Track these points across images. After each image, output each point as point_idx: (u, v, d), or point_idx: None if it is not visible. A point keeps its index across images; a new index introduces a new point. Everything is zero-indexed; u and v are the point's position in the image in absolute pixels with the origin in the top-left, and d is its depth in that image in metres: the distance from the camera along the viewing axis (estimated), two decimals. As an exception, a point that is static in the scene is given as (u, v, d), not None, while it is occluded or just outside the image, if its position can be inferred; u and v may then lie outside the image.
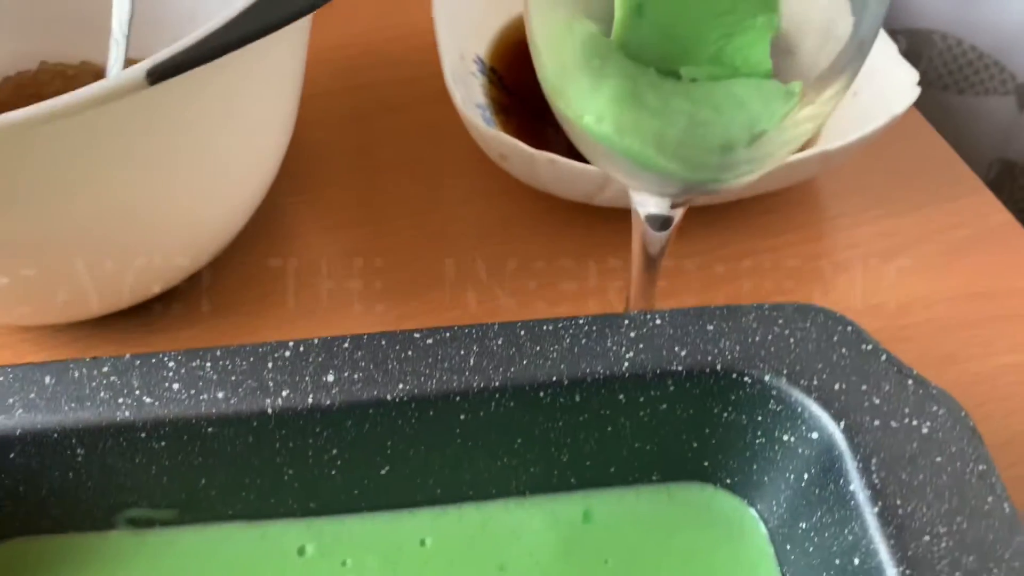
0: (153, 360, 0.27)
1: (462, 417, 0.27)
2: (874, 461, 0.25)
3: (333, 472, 0.28)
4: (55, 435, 0.26)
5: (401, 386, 0.27)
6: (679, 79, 0.22)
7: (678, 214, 0.25)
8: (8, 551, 0.29)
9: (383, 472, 0.29)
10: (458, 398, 0.27)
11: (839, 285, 0.39)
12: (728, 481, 0.30)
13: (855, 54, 0.20)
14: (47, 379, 0.27)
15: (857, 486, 0.25)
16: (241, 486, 0.28)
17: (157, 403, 0.26)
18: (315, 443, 0.27)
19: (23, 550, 0.29)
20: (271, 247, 0.41)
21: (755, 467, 0.29)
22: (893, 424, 0.26)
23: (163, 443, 0.27)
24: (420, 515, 0.30)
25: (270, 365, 0.27)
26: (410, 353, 0.28)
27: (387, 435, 0.27)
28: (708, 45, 0.21)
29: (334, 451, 0.28)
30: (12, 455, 0.27)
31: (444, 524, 0.30)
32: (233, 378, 0.27)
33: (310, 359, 0.27)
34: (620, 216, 0.40)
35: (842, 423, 0.26)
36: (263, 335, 0.37)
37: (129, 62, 0.36)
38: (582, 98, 0.20)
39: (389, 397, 0.27)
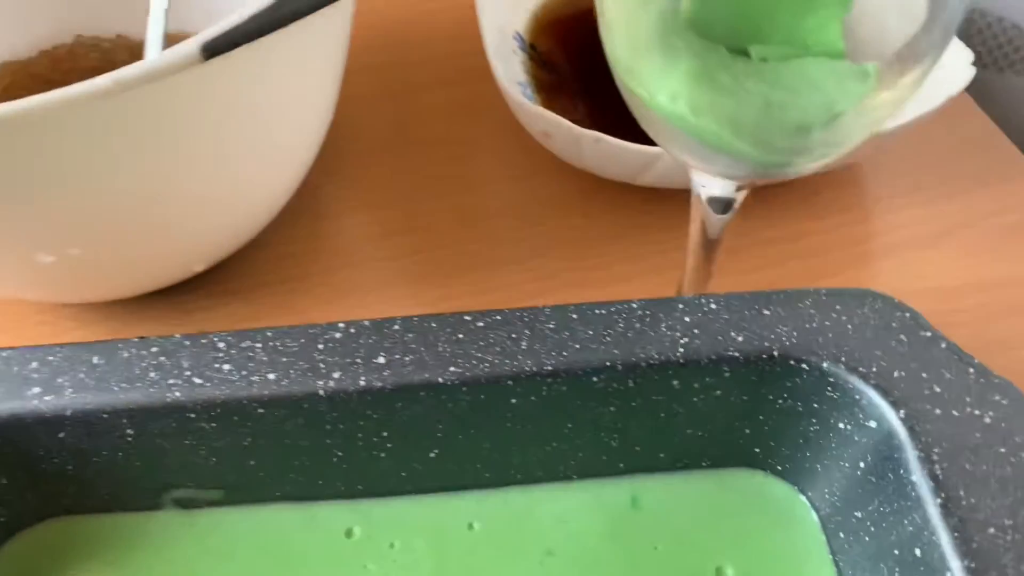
0: (203, 341, 0.27)
1: (513, 401, 0.27)
2: (936, 451, 0.25)
3: (382, 454, 0.28)
4: (104, 415, 0.26)
5: (452, 369, 0.27)
6: (748, 59, 0.21)
7: (741, 196, 0.24)
8: (56, 530, 0.29)
9: (432, 455, 0.28)
10: (509, 382, 0.27)
11: (887, 268, 0.38)
12: (780, 468, 0.29)
13: (937, 38, 0.19)
14: (96, 359, 0.27)
15: (919, 476, 0.25)
16: (289, 468, 0.28)
17: (207, 384, 0.26)
18: (365, 425, 0.27)
19: (71, 529, 0.29)
20: (309, 226, 0.40)
21: (809, 455, 0.28)
22: (955, 413, 0.25)
23: (213, 424, 0.27)
24: (468, 498, 0.30)
25: (320, 346, 0.27)
26: (461, 336, 0.27)
27: (437, 418, 0.27)
28: (779, 23, 0.21)
29: (384, 433, 0.27)
30: (62, 435, 0.26)
31: (491, 508, 0.29)
32: (284, 359, 0.27)
33: (360, 341, 0.27)
34: (664, 196, 0.40)
35: (902, 412, 0.26)
36: (301, 314, 0.37)
37: (167, 37, 0.36)
38: (655, 77, 0.20)
39: (440, 380, 0.26)
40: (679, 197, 0.38)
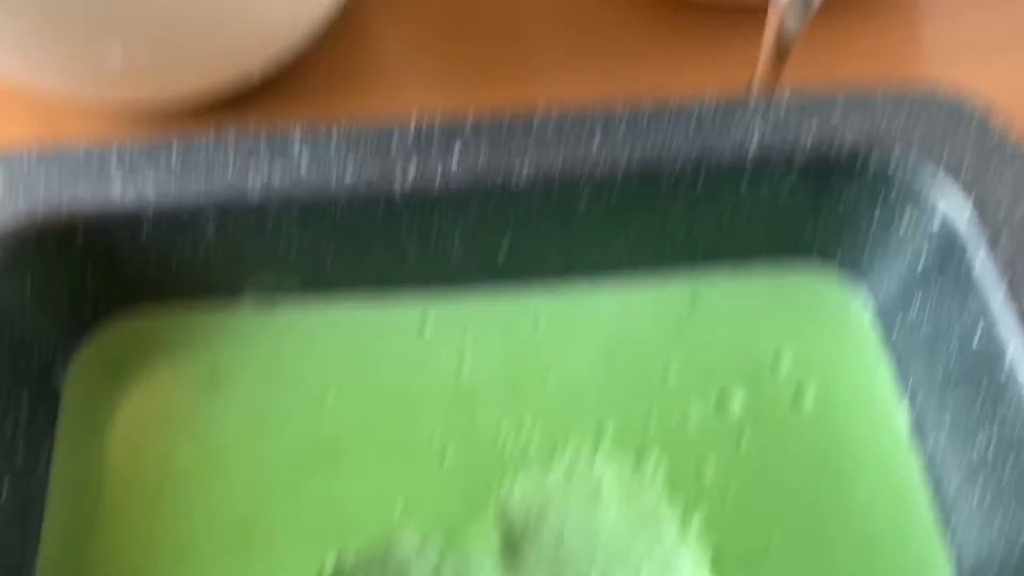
0: (280, 136, 0.27)
1: (584, 200, 0.28)
2: (1002, 242, 0.25)
3: (453, 253, 0.29)
4: (186, 210, 0.27)
5: (526, 169, 0.27)
6: None
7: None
8: (135, 322, 0.30)
9: (502, 253, 0.29)
10: (582, 181, 0.27)
11: (961, 67, 0.38)
12: (842, 260, 0.30)
13: None
14: (175, 154, 0.27)
15: (982, 270, 0.25)
16: (364, 263, 0.29)
17: (287, 180, 0.27)
18: (439, 223, 0.28)
19: (149, 322, 0.30)
20: (361, 33, 0.40)
21: (873, 247, 0.29)
22: (1021, 212, 0.26)
23: (291, 220, 0.27)
24: (535, 295, 0.31)
25: (395, 144, 0.27)
26: (533, 135, 0.27)
27: (509, 217, 0.28)
28: None
29: (457, 231, 0.28)
30: (143, 232, 0.27)
31: (557, 305, 0.31)
32: (363, 155, 0.27)
33: (434, 139, 0.27)
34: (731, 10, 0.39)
35: (969, 207, 0.26)
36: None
37: None
38: None
39: (514, 180, 0.27)
40: (748, 11, 0.37)
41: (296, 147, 0.27)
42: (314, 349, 0.30)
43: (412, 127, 0.27)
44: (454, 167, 0.27)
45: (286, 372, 0.29)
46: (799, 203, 0.29)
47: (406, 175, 0.27)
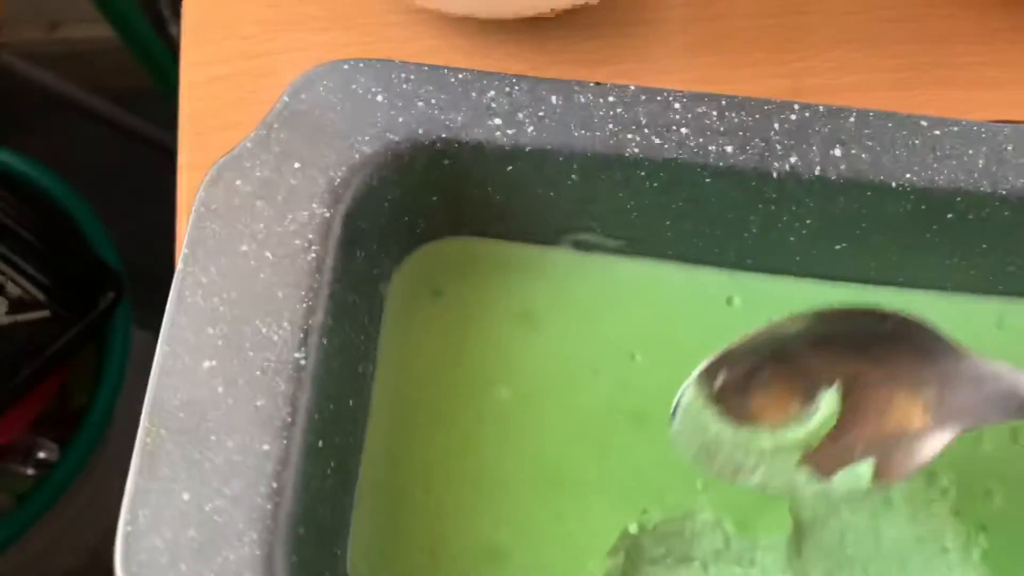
0: (658, 97, 0.27)
1: (948, 216, 0.27)
2: None
3: (792, 238, 0.29)
4: (560, 158, 0.27)
5: (908, 176, 0.26)
6: None
7: None
8: (458, 247, 0.30)
9: (837, 247, 0.29)
10: (958, 199, 0.27)
11: None
12: None
13: None
14: (554, 99, 0.27)
15: None
16: (700, 233, 0.29)
17: (665, 145, 0.26)
18: (797, 211, 0.27)
19: (471, 249, 0.30)
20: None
21: None
22: None
23: (655, 183, 0.27)
24: (843, 289, 0.30)
25: (776, 126, 0.27)
26: (916, 142, 0.27)
27: (870, 217, 0.27)
28: None
29: (808, 221, 0.28)
30: (510, 168, 0.27)
31: (869, 301, 0.31)
32: (740, 133, 0.27)
33: (816, 127, 0.27)
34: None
35: None
36: (654, 63, 0.36)
37: None
38: None
39: (893, 184, 0.26)
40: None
41: (675, 112, 0.27)
42: (626, 305, 0.30)
43: (793, 110, 0.27)
44: (836, 160, 0.26)
45: (598, 324, 0.30)
46: None
47: (786, 160, 0.26)
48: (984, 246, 0.28)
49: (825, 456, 0.26)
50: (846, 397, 0.25)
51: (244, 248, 0.25)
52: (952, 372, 0.26)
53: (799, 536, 0.28)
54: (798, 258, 0.30)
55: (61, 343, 0.66)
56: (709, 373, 0.25)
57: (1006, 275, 0.29)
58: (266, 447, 0.23)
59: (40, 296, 0.64)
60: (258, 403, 0.23)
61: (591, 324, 0.30)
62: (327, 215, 0.25)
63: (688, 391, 0.25)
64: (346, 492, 0.27)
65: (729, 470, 0.26)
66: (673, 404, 0.25)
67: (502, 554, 0.27)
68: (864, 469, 0.26)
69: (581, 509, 0.28)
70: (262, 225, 0.25)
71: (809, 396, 0.26)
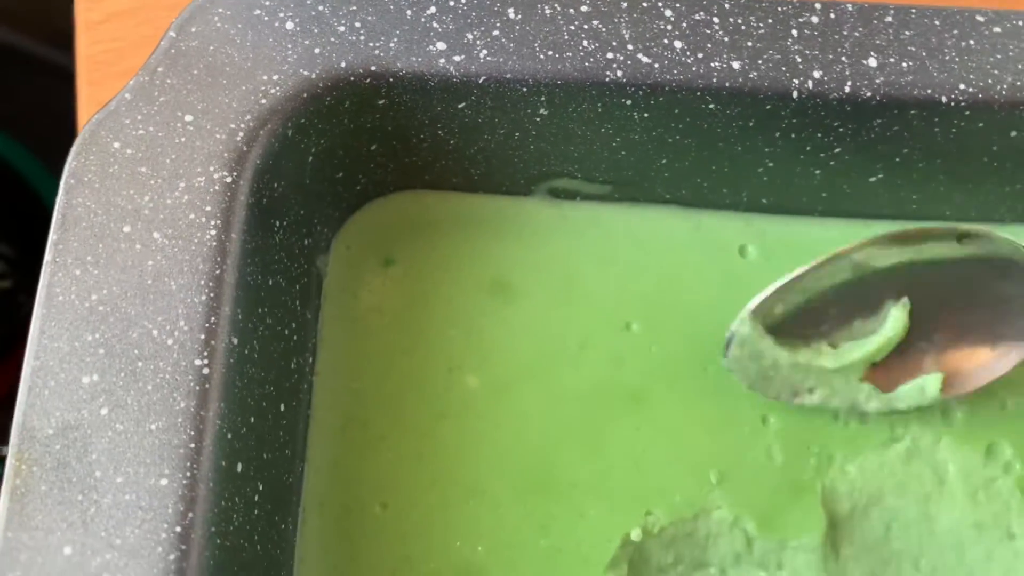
0: (645, 4, 0.21)
1: (1012, 135, 0.22)
2: None
3: (816, 171, 0.23)
4: (522, 88, 0.21)
5: (961, 87, 0.21)
6: None
7: None
8: (412, 202, 0.25)
9: (872, 180, 0.24)
10: (1018, 112, 0.21)
11: None
12: None
13: None
14: (512, 13, 0.21)
15: None
16: (702, 171, 0.24)
17: (656, 65, 0.21)
18: (824, 138, 0.22)
19: (428, 204, 0.25)
20: None
21: None
22: None
23: (645, 114, 0.22)
24: (877, 227, 0.25)
25: (794, 33, 0.21)
26: (972, 43, 0.21)
27: (913, 141, 0.22)
28: None
29: (836, 150, 0.23)
30: (462, 104, 0.22)
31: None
32: (749, 44, 0.21)
33: (844, 32, 0.21)
34: None
35: None
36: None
37: None
38: None
39: (944, 99, 0.21)
40: None
41: (667, 21, 0.21)
42: (617, 263, 0.25)
43: (815, 12, 0.21)
44: (871, 73, 0.21)
45: (584, 289, 0.25)
46: None
47: (808, 76, 0.21)
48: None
49: (889, 371, 0.24)
50: (915, 313, 0.23)
51: (126, 229, 0.20)
52: None
53: (835, 533, 0.24)
54: (824, 195, 0.24)
55: (27, 311, 0.62)
56: (765, 305, 0.23)
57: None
58: (164, 481, 0.18)
59: (2, 267, 0.60)
60: (152, 426, 0.18)
61: (576, 289, 0.25)
62: (229, 180, 0.20)
63: (743, 326, 0.23)
64: (285, 516, 0.22)
65: (787, 392, 0.24)
66: (726, 337, 0.23)
67: (478, 573, 0.22)
68: (931, 382, 0.24)
69: (572, 516, 0.23)
70: (147, 198, 0.20)
71: (874, 312, 0.24)
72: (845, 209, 0.25)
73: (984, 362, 0.24)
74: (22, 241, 0.62)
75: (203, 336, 0.19)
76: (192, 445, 0.18)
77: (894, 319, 0.23)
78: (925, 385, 0.24)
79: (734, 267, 0.25)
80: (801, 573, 0.23)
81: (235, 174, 0.20)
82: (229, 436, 0.19)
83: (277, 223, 0.21)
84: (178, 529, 0.18)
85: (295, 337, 0.22)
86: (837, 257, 0.23)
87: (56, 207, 0.20)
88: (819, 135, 0.22)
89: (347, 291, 0.24)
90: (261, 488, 0.21)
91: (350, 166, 0.23)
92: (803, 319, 0.23)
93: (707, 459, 0.23)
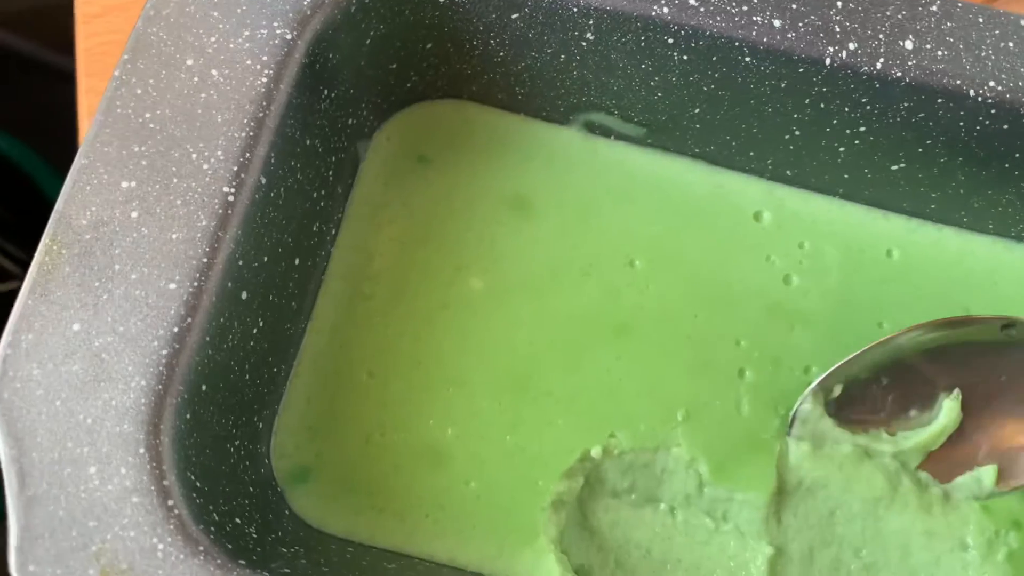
0: (695, -46, 0.22)
1: (1034, 142, 0.22)
2: None
3: (840, 148, 0.24)
4: (573, 9, 0.22)
5: (991, 84, 0.22)
6: None
7: None
8: (454, 111, 0.26)
9: (893, 168, 0.24)
10: (1050, 121, 0.22)
11: None
12: None
13: None
14: (582, -61, 0.23)
15: None
16: (732, 128, 0.25)
17: (703, 10, 0.22)
18: (851, 113, 0.23)
19: (469, 115, 0.26)
20: None
21: None
22: None
23: (685, 56, 0.23)
24: (895, 222, 0.26)
25: (839, 4, 0.22)
26: (1011, 45, 0.22)
27: (937, 132, 0.23)
28: None
29: (861, 128, 0.23)
30: (515, 15, 0.23)
31: (917, 241, 0.26)
32: (794, 6, 0.22)
33: (888, 12, 0.22)
34: None
35: None
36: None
37: None
38: None
39: (972, 92, 0.22)
40: None
41: (718, -29, 0.22)
42: (635, 204, 0.26)
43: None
44: (904, 55, 0.22)
45: (599, 221, 0.26)
46: None
47: (844, 47, 0.22)
48: (1070, 185, 0.23)
49: (945, 461, 0.25)
50: (967, 404, 0.24)
51: (189, 63, 0.21)
52: None
53: (782, 499, 0.24)
54: (846, 176, 0.25)
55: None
56: (825, 385, 0.24)
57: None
58: (173, 286, 0.20)
59: (12, 267, 0.61)
60: (173, 235, 0.20)
61: (591, 220, 0.26)
62: (288, 37, 0.22)
63: (806, 401, 0.24)
64: (280, 360, 0.24)
65: None
66: (791, 413, 0.24)
67: (443, 455, 0.24)
68: (986, 474, 0.24)
69: (540, 422, 0.24)
70: (213, 39, 0.22)
71: (928, 403, 0.25)
72: (865, 195, 0.26)
73: None
74: (32, 242, 0.63)
75: (235, 168, 0.21)
76: (205, 260, 0.20)
77: (947, 409, 0.24)
78: (982, 477, 0.24)
79: (747, 230, 0.26)
80: (744, 529, 0.24)
81: (295, 33, 0.22)
82: (240, 263, 0.21)
83: (326, 91, 0.23)
84: (176, 329, 0.20)
85: (322, 204, 0.24)
86: (887, 340, 0.24)
87: (132, 31, 0.22)
88: (846, 109, 0.23)
89: (379, 178, 0.26)
90: (261, 324, 0.22)
91: (404, 59, 0.24)
92: (861, 406, 0.25)
93: (677, 398, 0.24)
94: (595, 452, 0.24)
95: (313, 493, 0.23)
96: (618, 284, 0.25)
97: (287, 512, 0.23)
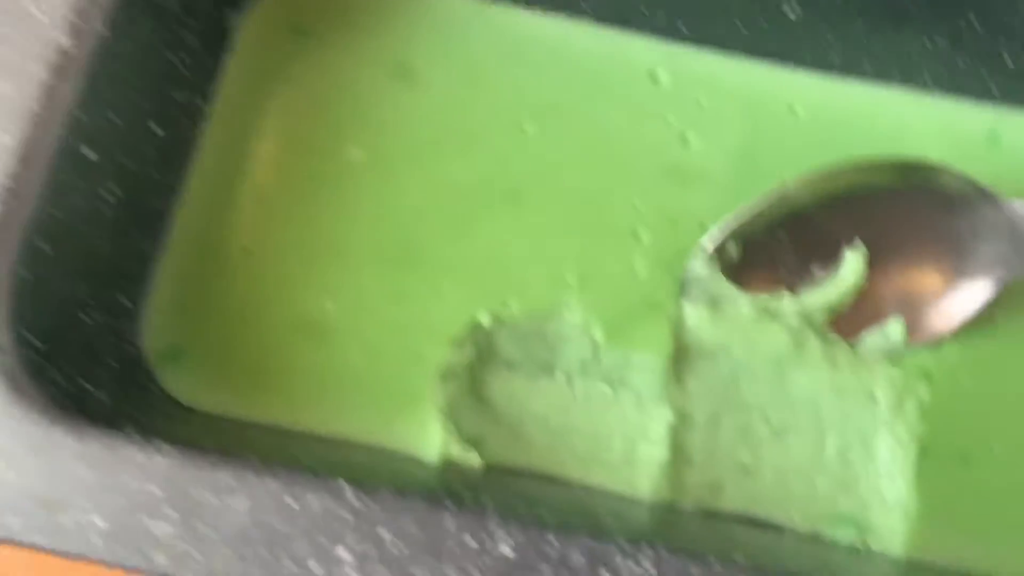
0: None
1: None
2: None
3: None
4: None
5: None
6: None
7: None
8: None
9: (792, 17, 0.23)
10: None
11: None
12: None
13: None
14: None
15: None
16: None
17: None
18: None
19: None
20: None
21: None
22: None
23: None
24: (800, 77, 0.25)
25: None
26: None
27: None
28: None
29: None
30: None
31: (824, 95, 0.25)
32: None
33: None
34: None
35: None
36: None
37: None
38: None
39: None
40: None
41: None
42: (524, 68, 0.25)
43: None
44: None
45: (486, 86, 0.25)
46: None
47: None
48: (972, 17, 0.22)
49: (852, 320, 0.24)
50: (872, 258, 0.23)
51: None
52: (984, 221, 0.23)
53: (681, 363, 0.23)
54: (744, 30, 0.24)
55: None
56: (717, 247, 0.23)
57: (999, 69, 0.23)
58: (7, 139, 0.19)
59: None
60: (4, 85, 0.19)
61: (478, 86, 0.25)
62: None
63: (697, 265, 0.23)
64: (147, 236, 0.23)
65: None
66: (681, 278, 0.23)
67: (324, 329, 0.23)
68: (894, 328, 0.23)
69: (427, 292, 0.23)
70: None
71: (832, 260, 0.24)
72: (765, 49, 0.24)
73: (946, 308, 0.23)
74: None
75: (73, 16, 0.20)
76: (39, 112, 0.19)
77: (851, 264, 0.23)
78: (889, 332, 0.23)
79: (642, 91, 0.25)
80: (643, 394, 0.23)
81: None
82: (83, 119, 0.20)
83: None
84: (11, 184, 0.19)
85: (188, 73, 0.23)
86: (780, 191, 0.23)
87: None
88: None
89: (254, 51, 0.25)
90: (119, 193, 0.21)
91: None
92: (760, 267, 0.23)
93: (570, 262, 0.23)
94: (485, 320, 0.23)
95: (187, 373, 0.22)
96: (508, 150, 0.24)
97: (157, 391, 0.22)
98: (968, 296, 0.23)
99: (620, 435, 0.23)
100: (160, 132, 0.22)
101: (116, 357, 0.21)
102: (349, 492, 0.17)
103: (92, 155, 0.20)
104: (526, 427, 0.23)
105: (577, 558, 0.16)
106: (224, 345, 0.23)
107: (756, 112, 0.25)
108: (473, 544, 0.16)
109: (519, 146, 0.24)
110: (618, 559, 0.16)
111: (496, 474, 0.22)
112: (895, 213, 0.23)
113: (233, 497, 0.16)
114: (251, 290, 0.23)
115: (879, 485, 0.23)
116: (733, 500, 0.23)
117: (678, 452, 0.23)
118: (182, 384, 0.22)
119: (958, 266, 0.23)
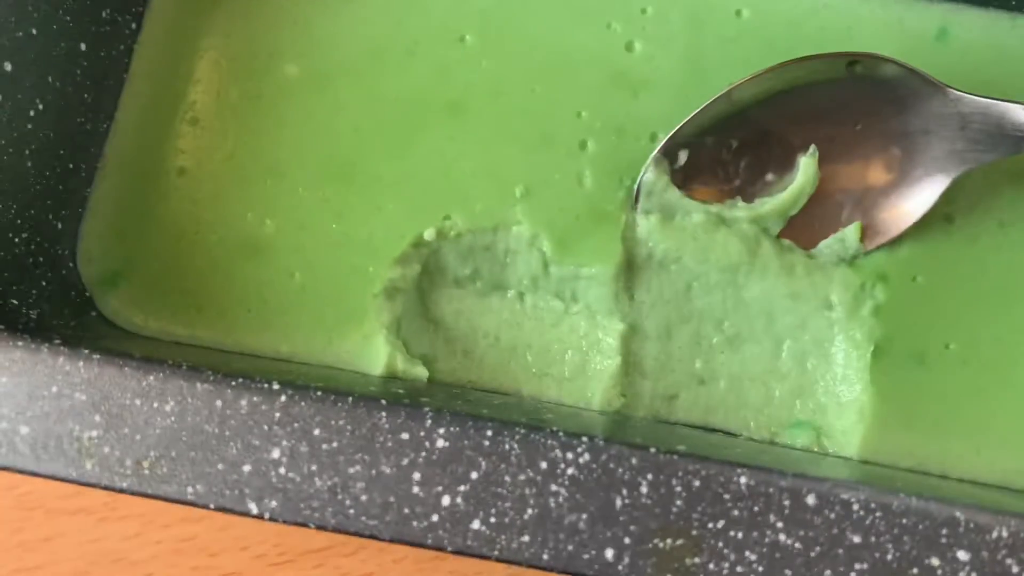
0: None
1: None
2: None
3: None
4: None
5: None
6: None
7: None
8: None
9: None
10: None
11: None
12: None
13: None
14: None
15: None
16: None
17: None
18: None
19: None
20: None
21: None
22: None
23: None
24: (743, -18, 0.25)
25: None
26: None
27: None
28: None
29: None
30: None
31: (769, -2, 0.24)
32: None
33: None
34: None
35: None
36: None
37: None
38: None
39: None
40: None
41: None
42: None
43: None
44: None
45: (431, -6, 0.24)
46: None
47: None
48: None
49: (807, 226, 0.23)
50: (824, 160, 0.23)
51: None
52: (934, 114, 0.22)
53: (631, 275, 0.23)
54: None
55: None
56: (668, 153, 0.23)
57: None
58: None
59: None
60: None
61: (434, -5, 0.24)
62: None
63: (649, 171, 0.23)
64: (79, 159, 0.22)
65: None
66: (634, 187, 0.23)
67: (264, 248, 0.22)
68: (850, 233, 0.23)
69: (368, 208, 0.22)
70: None
71: (785, 165, 0.23)
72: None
73: (901, 206, 0.23)
74: None
75: (-19, -77, 0.19)
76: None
77: (804, 167, 0.23)
78: (846, 237, 0.23)
79: (583, 4, 0.24)
80: (594, 308, 0.23)
81: None
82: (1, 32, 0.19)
83: None
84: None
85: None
86: (727, 93, 0.22)
87: None
88: None
89: (184, -30, 0.24)
90: (41, 108, 0.20)
91: None
92: (712, 175, 0.23)
93: (515, 174, 0.23)
94: (429, 235, 0.22)
95: (124, 297, 0.22)
96: (448, 61, 0.23)
97: (94, 314, 0.21)
98: (921, 192, 0.23)
99: (572, 348, 0.23)
100: (84, 48, 0.22)
101: (50, 279, 0.20)
102: (279, 391, 0.16)
103: (9, 67, 0.19)
104: (477, 345, 0.23)
105: (513, 448, 0.16)
106: (162, 268, 0.22)
107: (701, 16, 0.24)
108: (407, 438, 0.16)
109: (459, 57, 0.24)
110: (556, 451, 0.16)
111: (443, 387, 0.21)
112: (844, 111, 0.22)
113: (161, 401, 0.16)
114: (188, 211, 0.22)
115: (836, 389, 0.23)
116: (688, 410, 0.23)
117: (631, 363, 0.23)
118: (121, 308, 0.22)
119: (910, 162, 0.23)
